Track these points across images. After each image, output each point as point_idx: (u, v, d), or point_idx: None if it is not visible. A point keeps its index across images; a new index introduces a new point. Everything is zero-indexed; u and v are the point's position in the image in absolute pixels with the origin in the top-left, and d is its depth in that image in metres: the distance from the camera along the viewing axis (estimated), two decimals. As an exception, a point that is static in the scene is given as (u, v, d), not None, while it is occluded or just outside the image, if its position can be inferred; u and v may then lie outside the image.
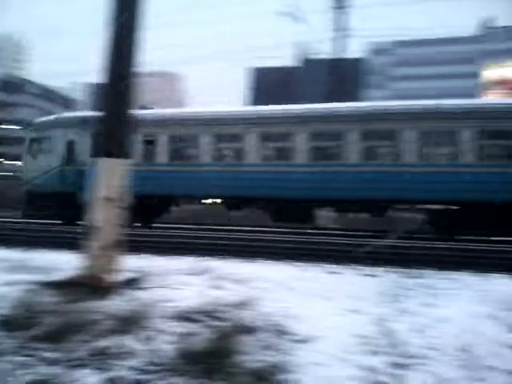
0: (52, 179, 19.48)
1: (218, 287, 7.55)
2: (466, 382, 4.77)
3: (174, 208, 20.97)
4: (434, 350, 5.36)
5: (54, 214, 19.75)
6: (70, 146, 19.61)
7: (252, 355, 5.26)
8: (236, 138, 18.97)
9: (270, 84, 70.44)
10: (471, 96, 54.75)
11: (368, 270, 9.56)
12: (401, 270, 9.43)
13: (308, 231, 18.54)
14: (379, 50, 69.67)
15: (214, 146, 19.18)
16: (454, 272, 9.26)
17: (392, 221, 18.45)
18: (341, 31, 34.24)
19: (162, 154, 19.57)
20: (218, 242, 13.96)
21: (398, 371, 5.00)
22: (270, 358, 5.23)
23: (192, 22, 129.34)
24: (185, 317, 6.21)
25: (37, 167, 19.82)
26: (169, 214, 21.11)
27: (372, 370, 5.01)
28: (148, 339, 5.55)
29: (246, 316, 6.24)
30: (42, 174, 19.49)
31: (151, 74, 66.40)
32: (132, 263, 8.65)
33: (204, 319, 6.15)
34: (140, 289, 7.49)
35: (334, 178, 17.50)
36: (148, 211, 19.82)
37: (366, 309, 6.55)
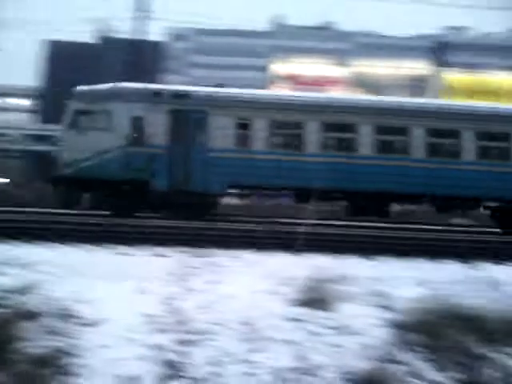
0: (111, 163, 15.84)
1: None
2: (249, 354, 5.08)
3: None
4: (219, 326, 5.62)
5: (111, 204, 15.97)
6: (137, 123, 16.24)
7: (36, 341, 5.04)
8: (348, 128, 17.56)
9: (66, 59, 66.87)
10: (260, 88, 57.86)
11: (159, 250, 9.52)
12: (190, 249, 9.47)
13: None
14: (180, 36, 70.10)
15: (319, 134, 17.29)
16: (239, 251, 9.58)
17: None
18: (142, 12, 33.84)
19: (258, 140, 17.12)
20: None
21: (185, 348, 5.15)
22: (56, 342, 5.06)
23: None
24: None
25: (85, 147, 15.75)
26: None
27: (160, 348, 5.10)
28: None
29: (30, 301, 5.91)
30: (95, 156, 15.79)
31: None
32: None
33: (-20, 306, 5.70)
34: None
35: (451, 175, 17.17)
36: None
37: (154, 289, 6.60)
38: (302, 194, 16.75)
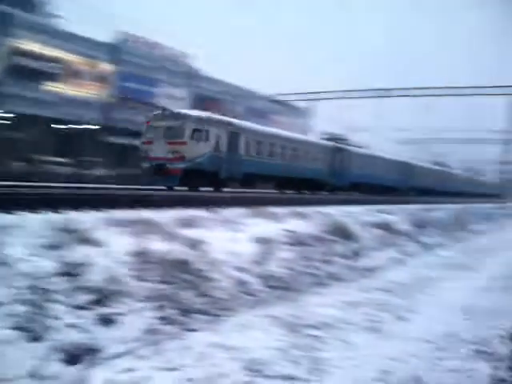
0: (207, 160, 25.43)
1: None
2: None
3: None
4: None
5: (206, 185, 25.80)
6: (217, 139, 26.38)
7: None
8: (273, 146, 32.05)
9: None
10: None
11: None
12: None
13: None
14: None
15: (267, 148, 31.39)
16: None
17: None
18: None
19: (255, 150, 30.22)
20: None
21: None
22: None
23: None
24: None
25: (198, 151, 25.13)
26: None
27: None
28: None
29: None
30: (200, 156, 25.14)
31: None
32: None
33: None
34: None
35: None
36: None
37: None
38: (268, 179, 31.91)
